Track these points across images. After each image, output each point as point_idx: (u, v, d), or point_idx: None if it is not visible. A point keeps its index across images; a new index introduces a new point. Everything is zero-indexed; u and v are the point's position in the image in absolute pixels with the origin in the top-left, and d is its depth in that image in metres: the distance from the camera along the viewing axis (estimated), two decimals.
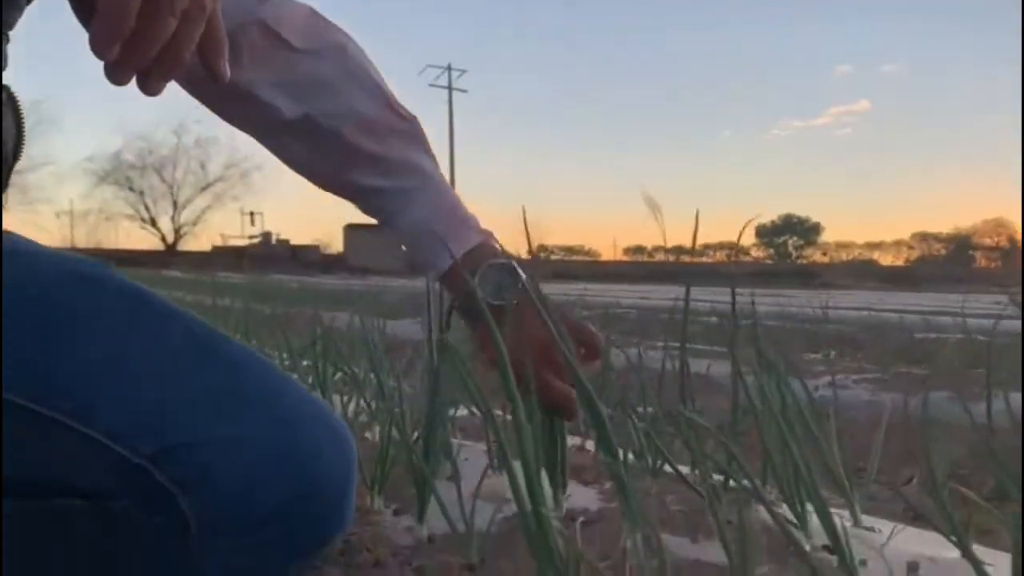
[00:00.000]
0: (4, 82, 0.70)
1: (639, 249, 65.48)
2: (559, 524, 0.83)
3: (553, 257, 61.51)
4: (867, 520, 0.88)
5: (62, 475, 0.62)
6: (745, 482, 0.87)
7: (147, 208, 43.48)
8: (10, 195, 0.82)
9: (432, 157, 0.85)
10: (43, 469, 0.62)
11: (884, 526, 0.86)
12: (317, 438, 0.66)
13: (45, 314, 0.63)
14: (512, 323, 0.77)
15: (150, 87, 0.50)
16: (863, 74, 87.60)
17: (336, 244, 44.06)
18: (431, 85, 38.91)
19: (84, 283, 0.67)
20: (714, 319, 5.26)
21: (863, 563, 0.72)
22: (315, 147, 0.82)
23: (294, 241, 42.28)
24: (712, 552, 0.76)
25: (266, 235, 41.87)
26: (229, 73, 0.53)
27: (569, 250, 66.05)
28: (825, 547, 0.77)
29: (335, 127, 0.80)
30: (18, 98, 0.69)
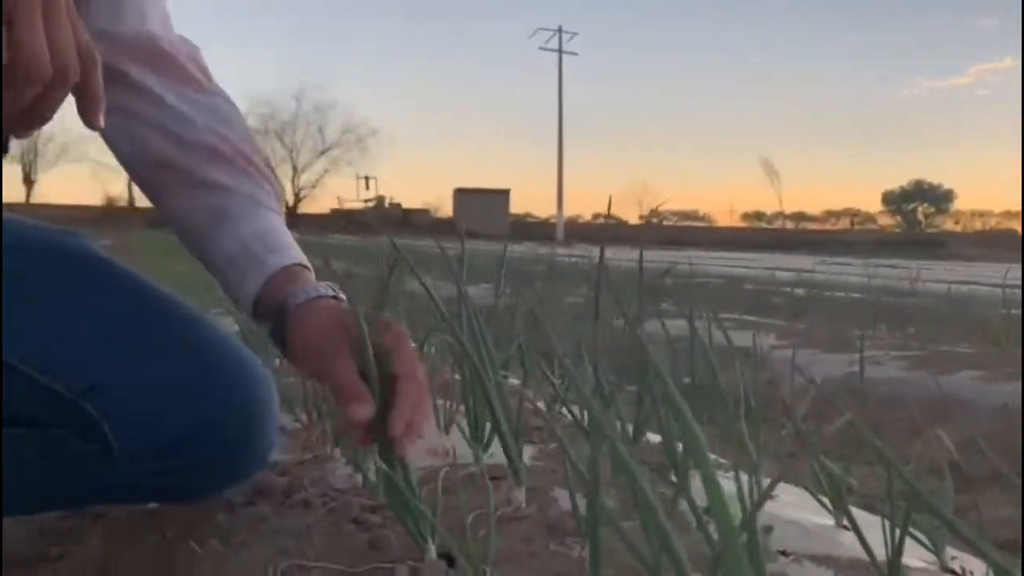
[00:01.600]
0: None
1: (758, 215, 63.58)
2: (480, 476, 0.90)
3: (666, 223, 60.73)
4: (779, 488, 0.91)
5: (20, 409, 0.75)
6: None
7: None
8: None
9: (279, 214, 0.85)
10: (5, 404, 0.75)
11: (791, 494, 0.89)
12: (227, 383, 0.77)
13: (16, 282, 0.75)
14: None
15: (17, 133, 0.58)
16: (1010, 28, 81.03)
17: (446, 208, 44.93)
18: (541, 48, 38.71)
19: (40, 250, 0.79)
20: (800, 291, 5.14)
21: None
22: (181, 144, 0.84)
23: (406, 205, 43.35)
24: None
25: (379, 199, 43.08)
26: (103, 124, 0.58)
27: (683, 215, 64.88)
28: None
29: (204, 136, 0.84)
30: None
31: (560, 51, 38.29)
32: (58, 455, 0.75)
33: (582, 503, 0.75)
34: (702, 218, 65.24)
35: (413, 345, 0.72)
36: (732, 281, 5.81)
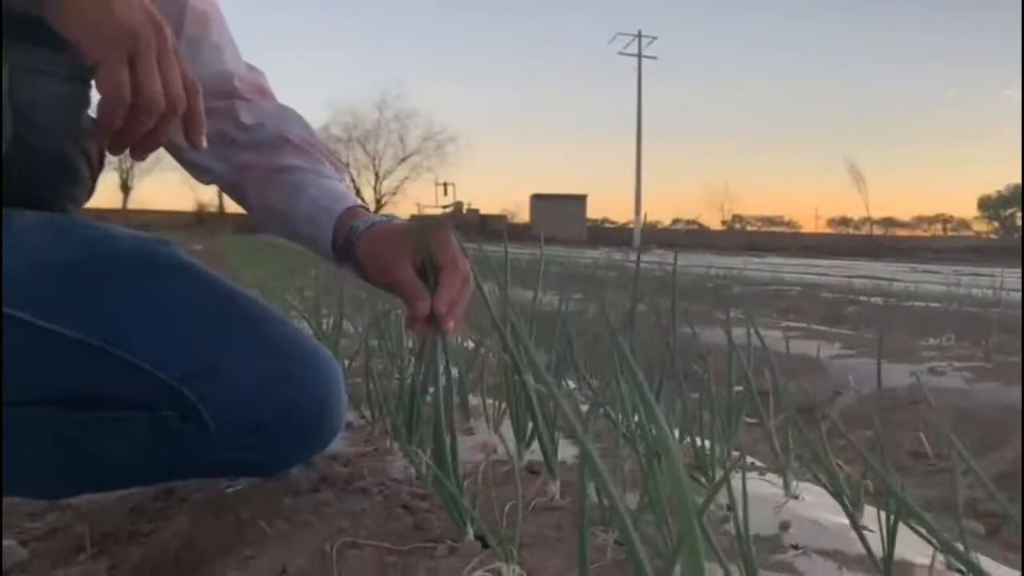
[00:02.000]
0: None
1: (844, 221, 61.74)
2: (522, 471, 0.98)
3: (749, 228, 59.58)
4: (803, 487, 0.95)
5: (127, 394, 0.86)
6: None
7: (352, 179, 46.66)
8: None
9: (342, 182, 1.04)
10: (115, 391, 0.87)
11: (815, 495, 0.93)
12: (302, 374, 0.88)
13: (121, 286, 0.87)
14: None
15: (136, 156, 0.70)
16: None
17: (523, 214, 45.23)
18: (620, 53, 38.58)
19: (138, 258, 0.90)
20: (877, 300, 5.03)
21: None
22: (256, 146, 1.03)
23: (484, 211, 43.86)
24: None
25: (458, 205, 43.69)
26: (205, 144, 0.72)
27: (767, 220, 63.50)
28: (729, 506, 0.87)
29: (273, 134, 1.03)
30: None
31: (639, 55, 38.08)
32: (164, 435, 0.86)
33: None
34: (787, 223, 63.70)
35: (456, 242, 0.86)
36: (808, 289, 5.72)
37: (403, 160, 47.02)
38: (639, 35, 37.97)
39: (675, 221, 59.84)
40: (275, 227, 1.04)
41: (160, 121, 0.67)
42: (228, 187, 1.06)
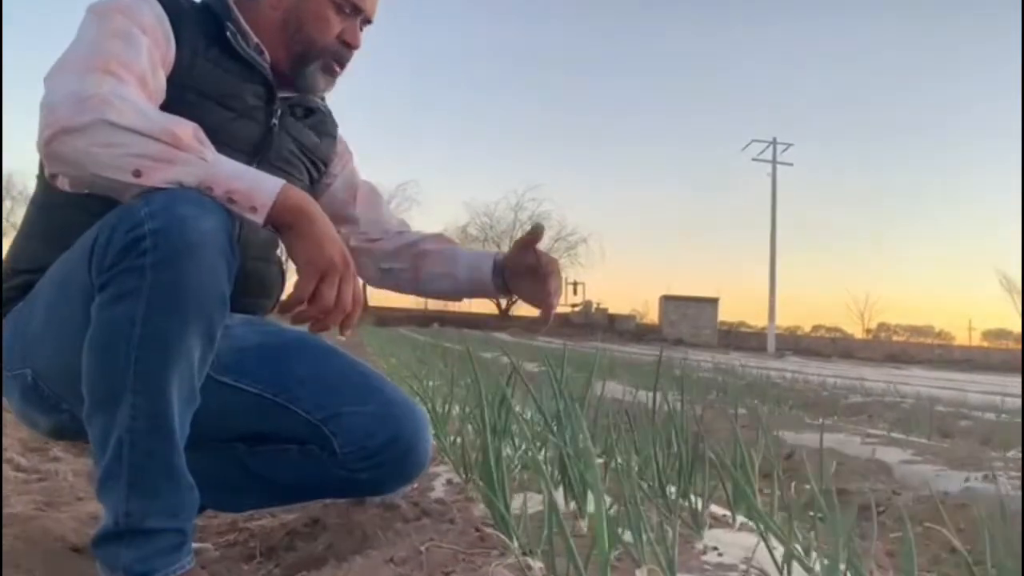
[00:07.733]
0: None
1: (1002, 333, 57.79)
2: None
3: (896, 338, 56.54)
4: None
5: (286, 432, 1.29)
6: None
7: None
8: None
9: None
10: (279, 430, 1.30)
11: None
12: (399, 417, 1.30)
13: (286, 360, 1.32)
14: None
15: (312, 330, 1.12)
16: None
17: (652, 315, 45.14)
18: (754, 160, 38.62)
19: (303, 344, 1.35)
20: (989, 415, 4.95)
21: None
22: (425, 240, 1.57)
23: (612, 310, 44.14)
24: None
25: (587, 304, 44.20)
26: (348, 336, 1.18)
27: (916, 331, 60.31)
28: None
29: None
30: None
31: (774, 162, 38.07)
32: (309, 460, 1.28)
33: None
34: (937, 335, 60.18)
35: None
36: (923, 402, 5.68)
37: None
38: (774, 141, 38.02)
39: (816, 328, 57.79)
40: (442, 291, 1.56)
41: (328, 317, 1.08)
42: (415, 289, 1.60)
